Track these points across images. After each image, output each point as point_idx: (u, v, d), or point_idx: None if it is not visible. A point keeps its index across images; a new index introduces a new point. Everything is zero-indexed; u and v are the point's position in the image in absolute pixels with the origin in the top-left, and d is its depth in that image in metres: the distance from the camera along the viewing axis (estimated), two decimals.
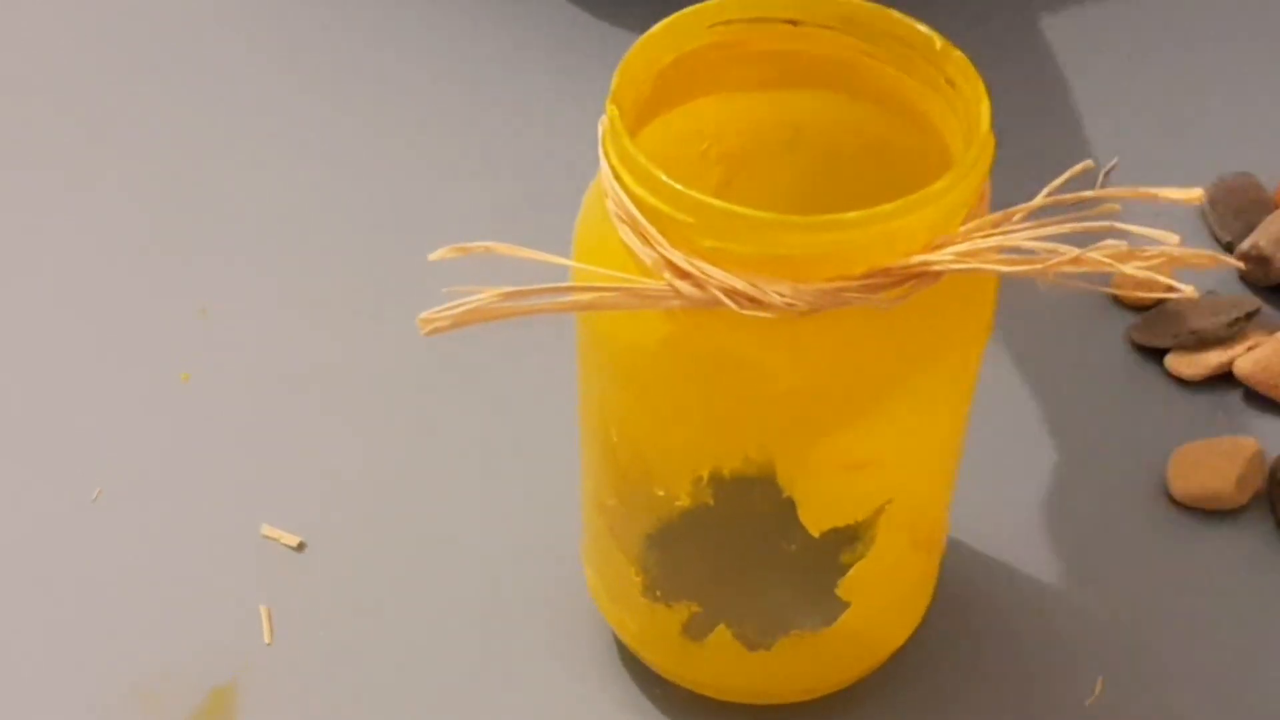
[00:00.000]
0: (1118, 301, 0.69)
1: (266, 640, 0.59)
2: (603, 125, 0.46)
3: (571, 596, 0.59)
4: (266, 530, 0.62)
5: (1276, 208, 0.71)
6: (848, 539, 0.50)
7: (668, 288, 0.44)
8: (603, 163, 0.46)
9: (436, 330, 0.45)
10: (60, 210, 0.75)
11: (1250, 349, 0.65)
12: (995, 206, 0.46)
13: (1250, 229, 0.70)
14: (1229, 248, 0.70)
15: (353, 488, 0.64)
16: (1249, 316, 0.66)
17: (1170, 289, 0.43)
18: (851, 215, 0.43)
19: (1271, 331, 0.66)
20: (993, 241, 0.44)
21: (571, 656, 0.59)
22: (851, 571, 0.51)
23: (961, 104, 0.47)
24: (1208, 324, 0.66)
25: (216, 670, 0.58)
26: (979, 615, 0.59)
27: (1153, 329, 0.67)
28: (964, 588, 0.60)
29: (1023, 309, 0.64)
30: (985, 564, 0.61)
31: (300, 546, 0.62)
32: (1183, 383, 0.67)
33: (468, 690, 0.58)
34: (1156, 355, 0.67)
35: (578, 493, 0.56)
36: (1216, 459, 0.62)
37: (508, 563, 0.61)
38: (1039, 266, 0.43)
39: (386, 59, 0.82)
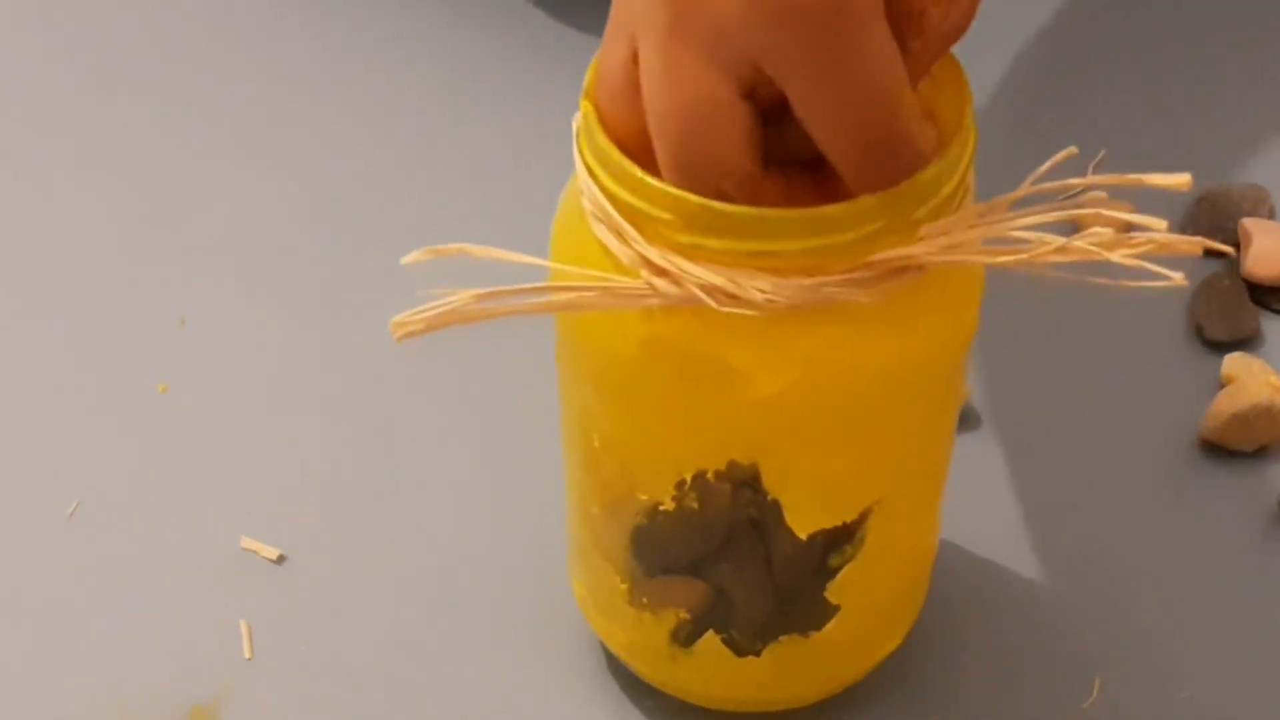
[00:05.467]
0: None
1: (247, 655, 0.58)
2: (577, 122, 0.45)
3: (559, 609, 0.58)
4: (246, 543, 0.61)
5: None
6: (836, 541, 0.49)
7: (645, 286, 0.43)
8: (577, 161, 0.45)
9: (410, 334, 0.43)
10: (39, 219, 0.74)
11: None
12: (982, 199, 0.45)
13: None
14: None
15: (333, 499, 0.63)
16: None
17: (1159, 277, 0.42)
18: (832, 208, 0.42)
19: None
20: (976, 233, 0.43)
21: (561, 668, 0.58)
22: (841, 575, 0.50)
23: (942, 97, 0.46)
24: None
25: (197, 688, 0.57)
26: (973, 618, 0.59)
27: None
28: (957, 591, 0.59)
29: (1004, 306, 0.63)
30: (979, 566, 0.60)
31: (280, 559, 0.61)
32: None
33: (455, 704, 0.57)
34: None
35: (564, 505, 0.55)
36: None
37: (494, 575, 0.60)
38: (1024, 256, 0.42)
39: (359, 68, 0.81)
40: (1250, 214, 0.70)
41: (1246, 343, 0.66)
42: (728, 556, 0.51)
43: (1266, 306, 0.67)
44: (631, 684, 0.57)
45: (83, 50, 0.83)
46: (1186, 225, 0.70)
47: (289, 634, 0.59)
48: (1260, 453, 0.63)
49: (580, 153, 0.45)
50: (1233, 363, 0.64)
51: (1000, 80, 0.78)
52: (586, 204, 0.45)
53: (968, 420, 0.63)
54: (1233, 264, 0.68)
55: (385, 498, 0.63)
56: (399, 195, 0.75)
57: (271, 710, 0.57)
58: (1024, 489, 0.62)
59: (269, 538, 0.61)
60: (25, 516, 0.62)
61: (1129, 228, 0.43)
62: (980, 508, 0.61)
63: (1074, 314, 0.68)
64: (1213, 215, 0.69)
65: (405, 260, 0.44)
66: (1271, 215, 0.70)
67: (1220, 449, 0.63)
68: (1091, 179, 0.43)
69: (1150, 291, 0.67)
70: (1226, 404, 0.62)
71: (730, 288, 0.42)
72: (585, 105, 0.45)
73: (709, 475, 0.47)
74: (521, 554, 0.61)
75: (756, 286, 0.42)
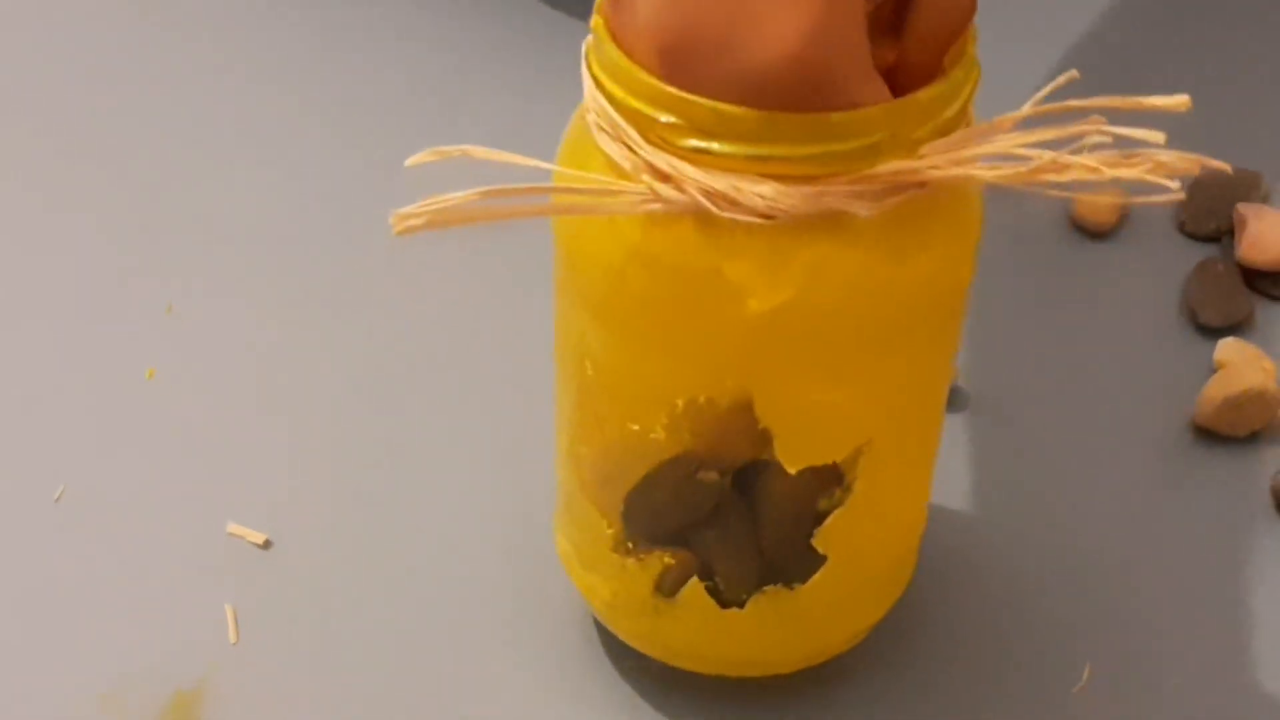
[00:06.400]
0: (1080, 229, 0.71)
1: (232, 640, 0.58)
2: (586, 43, 0.46)
3: (543, 583, 0.58)
4: (232, 528, 0.61)
5: None
6: (825, 481, 0.49)
7: (647, 190, 0.44)
8: (585, 77, 0.46)
9: (409, 229, 0.44)
10: (27, 204, 0.75)
11: None
12: None
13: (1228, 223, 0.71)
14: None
15: (320, 485, 0.63)
16: None
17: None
18: (837, 115, 0.42)
19: None
20: (978, 150, 0.43)
21: (544, 639, 0.58)
22: (828, 522, 0.50)
23: None
24: None
25: (181, 672, 0.57)
26: (962, 602, 0.58)
27: None
28: (947, 573, 0.59)
29: (996, 288, 0.63)
30: (969, 549, 0.60)
31: (266, 544, 0.61)
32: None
33: (440, 681, 0.56)
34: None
35: (548, 479, 0.55)
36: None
37: (479, 553, 0.60)
38: (1023, 171, 0.43)
39: (351, 56, 0.82)
40: (1245, 199, 0.71)
41: (1240, 328, 0.66)
42: (715, 521, 0.51)
43: (1260, 291, 0.68)
44: (616, 650, 0.56)
45: (71, 39, 0.84)
46: (1181, 210, 0.71)
47: (274, 619, 0.58)
48: (1252, 438, 0.63)
49: (589, 68, 0.45)
50: (1226, 348, 0.65)
51: (996, 70, 0.79)
52: (592, 119, 0.45)
53: (956, 401, 0.64)
54: (1227, 249, 0.69)
55: (371, 482, 0.63)
56: (387, 183, 0.74)
57: (256, 695, 0.56)
58: (1015, 473, 0.62)
59: (255, 523, 0.61)
60: (11, 501, 0.62)
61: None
62: (971, 491, 0.61)
63: (1067, 298, 0.69)
64: (1208, 200, 0.70)
65: (409, 162, 0.45)
66: (1267, 200, 0.71)
67: (1213, 434, 0.63)
68: (1091, 101, 0.43)
69: (1144, 274, 0.68)
70: (1219, 389, 0.62)
71: (732, 193, 0.43)
72: (596, 20, 0.45)
73: (701, 401, 0.47)
74: (507, 532, 0.60)
75: (758, 193, 0.43)
